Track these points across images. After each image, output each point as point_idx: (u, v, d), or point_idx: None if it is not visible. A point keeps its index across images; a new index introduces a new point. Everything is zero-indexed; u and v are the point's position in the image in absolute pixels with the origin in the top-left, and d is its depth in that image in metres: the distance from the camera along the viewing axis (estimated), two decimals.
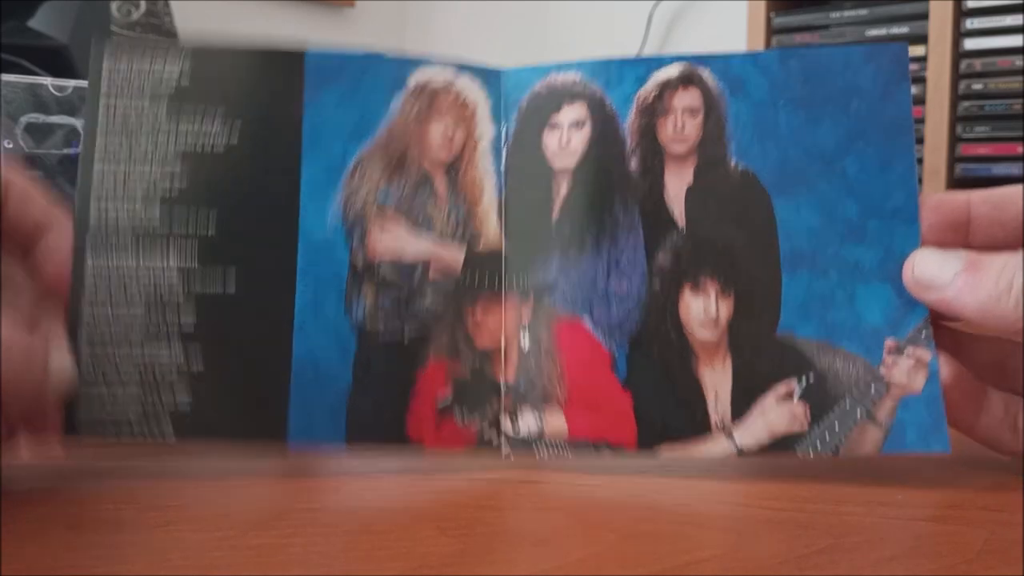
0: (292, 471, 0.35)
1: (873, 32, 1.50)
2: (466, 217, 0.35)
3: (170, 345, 0.32)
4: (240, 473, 0.34)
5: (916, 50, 1.45)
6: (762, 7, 1.57)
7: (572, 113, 0.35)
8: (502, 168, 0.35)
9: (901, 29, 1.47)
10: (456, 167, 0.35)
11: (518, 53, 2.04)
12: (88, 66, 0.33)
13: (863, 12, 1.50)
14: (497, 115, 0.35)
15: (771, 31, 1.57)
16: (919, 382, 0.32)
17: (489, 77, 0.35)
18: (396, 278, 0.34)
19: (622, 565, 0.25)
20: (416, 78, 0.35)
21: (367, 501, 0.31)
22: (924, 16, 1.44)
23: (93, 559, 0.25)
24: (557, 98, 0.35)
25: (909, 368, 0.32)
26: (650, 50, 1.90)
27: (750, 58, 0.35)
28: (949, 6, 1.41)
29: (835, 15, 1.53)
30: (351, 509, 0.30)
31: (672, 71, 0.35)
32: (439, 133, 0.35)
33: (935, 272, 0.32)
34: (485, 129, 0.35)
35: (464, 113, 0.35)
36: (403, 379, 0.33)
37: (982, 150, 1.40)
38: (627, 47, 1.91)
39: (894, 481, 0.33)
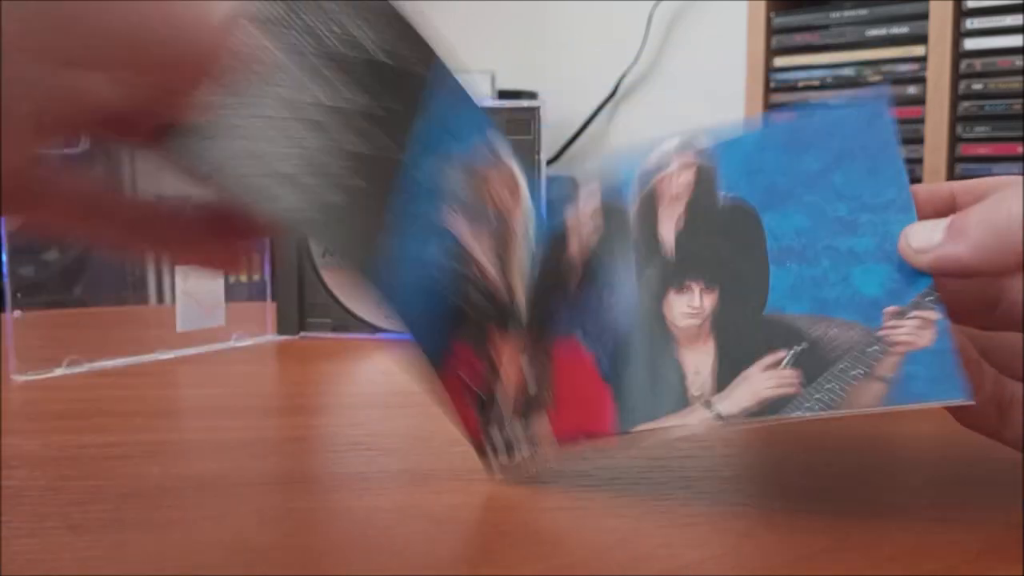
0: (291, 472, 0.35)
1: (873, 32, 1.49)
2: (502, 259, 0.38)
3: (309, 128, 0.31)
4: (239, 473, 0.34)
5: (916, 50, 1.45)
6: (762, 7, 1.57)
7: (589, 205, 0.39)
8: (532, 248, 0.39)
9: (901, 29, 1.47)
10: (501, 220, 0.39)
11: (518, 53, 2.04)
12: None
13: (863, 12, 1.50)
14: (530, 208, 0.40)
15: (771, 31, 1.57)
16: (925, 338, 0.30)
17: (529, 179, 0.41)
18: (460, 253, 0.36)
19: (622, 565, 0.25)
20: (490, 135, 0.39)
21: (367, 501, 0.31)
22: (924, 16, 1.43)
23: (93, 559, 0.25)
24: (578, 195, 0.40)
25: (914, 327, 0.31)
26: (650, 50, 1.90)
27: (738, 128, 0.37)
28: (949, 6, 1.40)
29: (835, 15, 1.52)
30: (351, 509, 0.30)
31: (668, 144, 0.38)
32: (498, 184, 0.39)
33: (925, 235, 0.32)
34: (526, 210, 0.40)
35: (515, 188, 0.40)
36: (444, 330, 0.34)
37: (982, 150, 1.40)
38: (627, 47, 1.91)
39: (894, 481, 0.33)
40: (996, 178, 0.34)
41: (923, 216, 0.33)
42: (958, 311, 0.35)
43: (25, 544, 0.26)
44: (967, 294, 0.35)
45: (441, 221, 0.35)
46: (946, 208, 0.34)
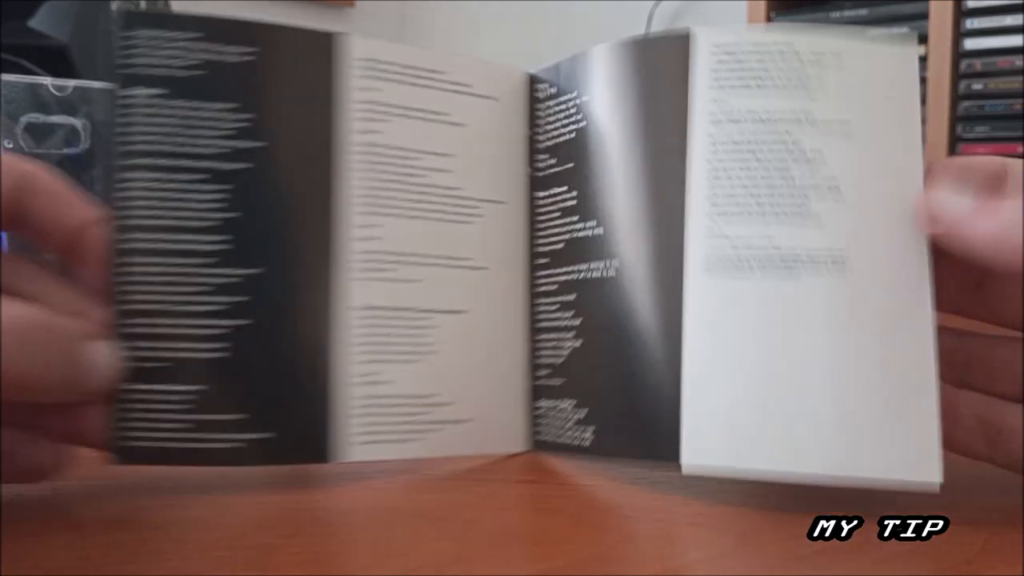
0: (291, 472, 0.35)
1: (873, 32, 1.50)
2: None
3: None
4: (240, 474, 0.33)
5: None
6: (762, 7, 1.57)
7: None
8: None
9: (901, 29, 1.48)
10: None
11: (518, 53, 2.04)
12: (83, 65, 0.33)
13: (863, 12, 1.50)
14: None
15: None
16: None
17: None
18: None
19: (622, 565, 0.25)
20: None
21: (367, 501, 0.31)
22: (924, 16, 1.44)
23: (93, 559, 0.25)
24: None
25: None
26: None
27: None
28: (949, 6, 1.41)
29: (835, 15, 1.53)
30: (351, 509, 0.30)
31: None
32: None
33: (949, 197, 0.29)
34: None
35: None
36: None
37: (982, 150, 1.40)
38: None
39: None
40: (976, 161, 0.31)
41: None
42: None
43: (25, 544, 0.26)
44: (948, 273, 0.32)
45: None
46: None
